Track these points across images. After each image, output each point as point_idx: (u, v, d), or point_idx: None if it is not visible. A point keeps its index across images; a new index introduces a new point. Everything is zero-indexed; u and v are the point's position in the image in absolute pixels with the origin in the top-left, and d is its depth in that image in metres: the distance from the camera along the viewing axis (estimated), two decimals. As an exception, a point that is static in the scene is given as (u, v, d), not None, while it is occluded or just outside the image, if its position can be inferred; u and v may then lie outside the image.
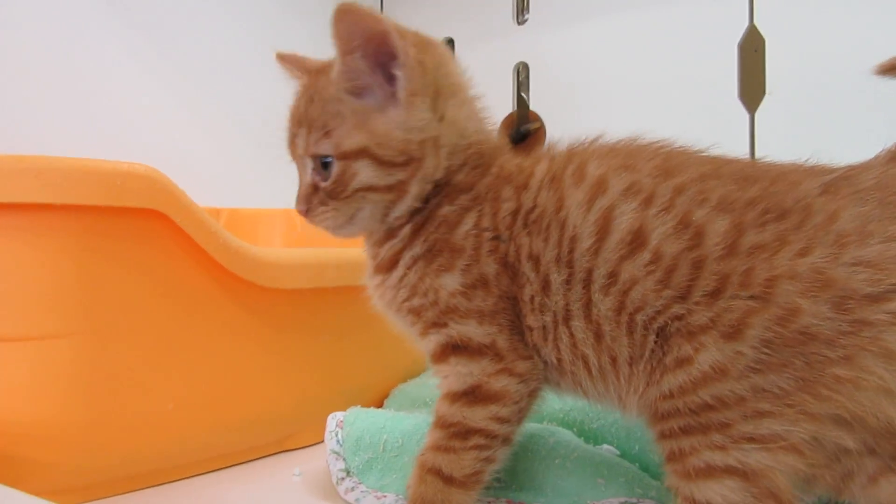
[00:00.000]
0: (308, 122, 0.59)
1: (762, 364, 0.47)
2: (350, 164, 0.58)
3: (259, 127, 1.68)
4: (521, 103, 1.74)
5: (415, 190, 0.60)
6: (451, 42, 1.83)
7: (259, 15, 1.65)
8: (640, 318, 0.52)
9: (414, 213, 0.61)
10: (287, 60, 0.66)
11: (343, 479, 0.72)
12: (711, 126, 1.48)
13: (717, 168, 0.54)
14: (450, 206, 0.60)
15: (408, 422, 0.76)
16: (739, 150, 1.49)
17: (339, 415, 0.79)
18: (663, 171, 0.54)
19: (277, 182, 1.76)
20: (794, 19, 1.37)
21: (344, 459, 0.74)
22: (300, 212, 0.61)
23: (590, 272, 0.54)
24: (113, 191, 0.66)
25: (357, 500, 0.70)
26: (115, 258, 0.69)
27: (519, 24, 1.72)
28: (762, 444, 0.47)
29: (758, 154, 1.42)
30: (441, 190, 0.61)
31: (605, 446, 0.75)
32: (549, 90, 1.67)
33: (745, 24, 1.41)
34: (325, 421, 0.92)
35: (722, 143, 1.54)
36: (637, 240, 0.52)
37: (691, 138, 1.52)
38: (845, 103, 1.35)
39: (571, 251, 0.55)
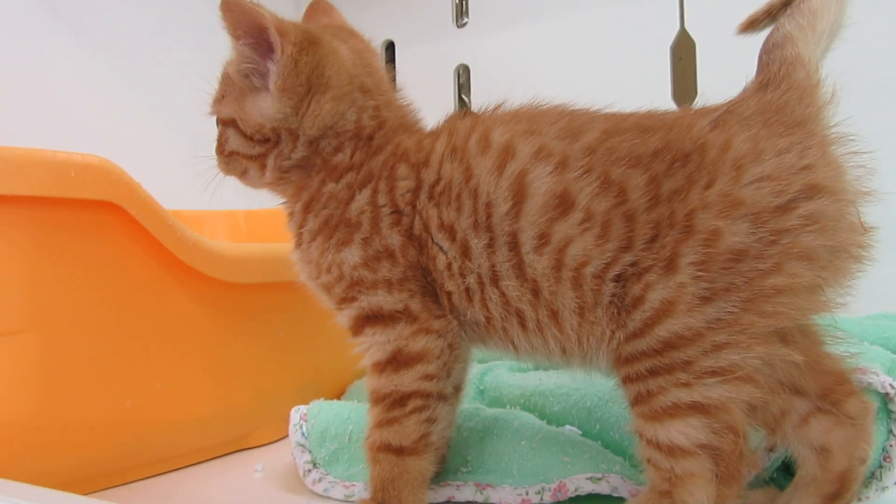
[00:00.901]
0: (221, 83, 0.68)
1: (707, 291, 0.50)
2: (225, 130, 0.67)
3: (200, 129, 1.66)
4: (462, 105, 1.76)
5: (271, 164, 0.65)
6: (391, 44, 1.85)
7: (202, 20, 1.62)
8: (588, 270, 0.54)
9: (300, 190, 0.66)
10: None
11: (310, 470, 0.72)
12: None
13: (617, 124, 0.57)
14: (334, 183, 0.63)
15: (372, 412, 0.76)
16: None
17: (302, 408, 0.78)
18: (569, 132, 0.57)
19: (219, 184, 1.74)
20: (725, 23, 1.44)
21: (310, 452, 0.74)
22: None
23: (514, 235, 0.56)
24: (67, 182, 0.65)
25: (325, 490, 0.70)
26: (67, 252, 0.67)
27: (459, 27, 1.74)
28: (723, 377, 0.50)
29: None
30: (321, 169, 0.65)
31: (568, 427, 0.77)
32: (490, 92, 1.70)
33: (677, 27, 1.47)
34: (285, 418, 0.92)
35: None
36: (564, 202, 0.55)
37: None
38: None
39: (489, 216, 0.57)
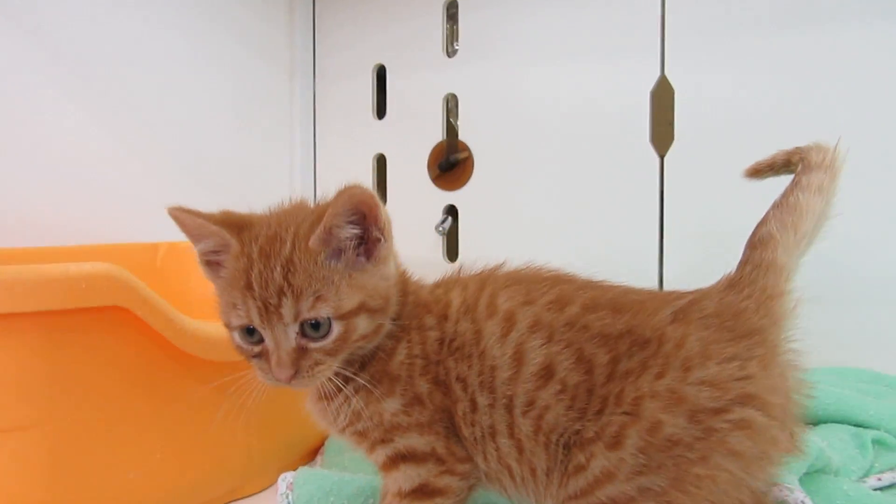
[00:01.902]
0: (293, 290, 0.61)
1: (642, 467, 0.58)
2: (351, 322, 0.63)
3: (194, 159, 1.72)
4: (451, 132, 1.82)
5: (381, 334, 0.67)
6: (382, 68, 1.89)
7: (195, 45, 1.66)
8: (553, 436, 0.62)
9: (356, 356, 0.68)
10: (190, 221, 0.65)
11: (295, 540, 0.81)
12: (625, 165, 1.60)
13: (595, 299, 0.65)
14: (387, 339, 0.67)
15: (353, 485, 0.85)
16: (651, 188, 1.62)
17: (288, 476, 0.86)
18: (556, 303, 0.65)
19: (218, 185, 1.80)
20: (703, 71, 1.49)
21: (295, 520, 0.82)
22: (284, 378, 0.62)
23: (511, 398, 0.64)
24: (77, 294, 0.71)
25: (309, 559, 0.79)
26: (79, 351, 0.75)
27: (449, 55, 1.79)
28: None
29: (666, 193, 1.55)
30: None
31: None
32: (478, 121, 1.75)
33: (658, 74, 1.53)
34: (273, 469, 1.01)
35: (635, 178, 1.67)
36: (548, 373, 0.62)
37: (607, 175, 1.64)
38: (747, 149, 1.49)
39: (493, 378, 0.64)
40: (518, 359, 0.63)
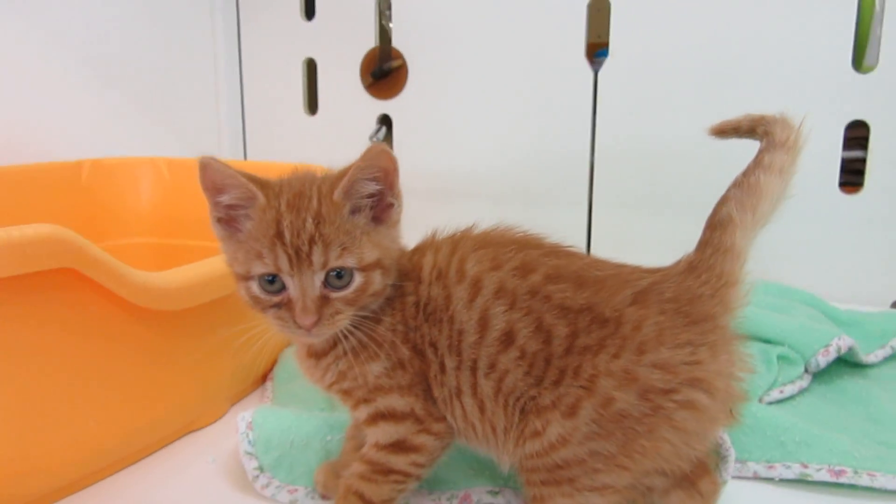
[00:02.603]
0: (323, 240, 0.65)
1: (594, 435, 0.64)
2: (370, 275, 0.67)
3: (120, 72, 1.61)
4: (384, 38, 1.76)
5: (387, 291, 0.70)
6: (312, 63, 1.80)
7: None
8: (511, 399, 0.67)
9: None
10: (220, 171, 0.68)
11: (258, 476, 0.85)
12: (560, 78, 1.61)
13: (559, 269, 0.68)
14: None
15: (311, 423, 0.89)
16: (584, 101, 1.65)
17: (247, 416, 0.90)
18: (521, 269, 0.68)
19: (142, 130, 1.73)
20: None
21: (256, 458, 0.86)
22: (308, 324, 0.66)
23: (475, 361, 0.68)
24: (23, 259, 0.69)
25: (273, 495, 0.84)
26: (29, 315, 0.74)
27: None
28: (597, 492, 0.65)
29: (599, 107, 1.57)
30: None
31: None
32: (412, 29, 1.70)
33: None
34: (225, 400, 1.04)
35: (569, 92, 1.71)
36: (508, 339, 0.66)
37: (542, 87, 1.67)
38: (680, 69, 1.52)
39: (460, 342, 0.68)
40: (483, 324, 0.67)
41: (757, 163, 0.70)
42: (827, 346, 1.09)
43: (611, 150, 1.59)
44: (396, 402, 0.71)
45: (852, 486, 0.84)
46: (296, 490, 0.84)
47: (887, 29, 1.37)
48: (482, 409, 0.69)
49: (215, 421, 1.04)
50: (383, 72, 1.75)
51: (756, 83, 1.46)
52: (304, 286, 0.66)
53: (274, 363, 1.18)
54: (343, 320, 0.67)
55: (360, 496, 0.74)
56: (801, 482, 0.86)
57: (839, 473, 0.84)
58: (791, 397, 1.05)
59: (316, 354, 0.74)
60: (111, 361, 0.84)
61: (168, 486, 0.87)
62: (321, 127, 1.86)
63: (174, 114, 1.77)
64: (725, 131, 0.76)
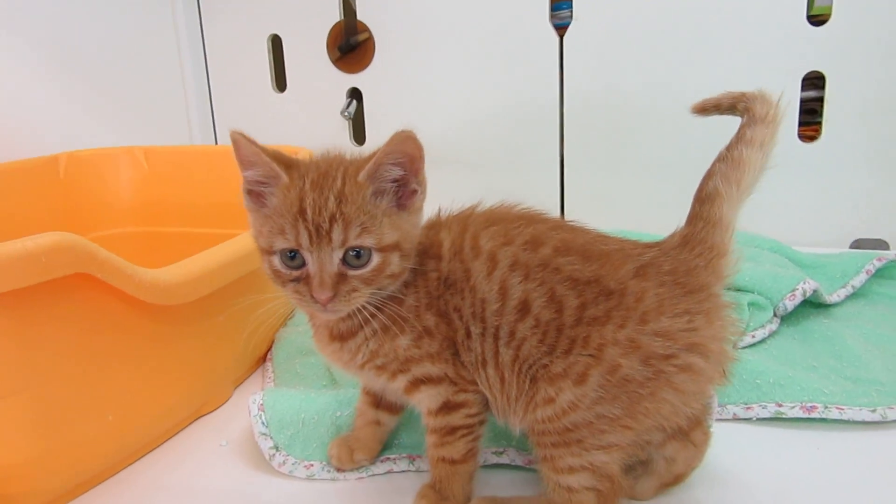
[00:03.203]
0: (343, 218, 0.67)
1: (600, 400, 0.69)
2: (388, 256, 0.70)
3: (82, 63, 1.59)
4: (349, 12, 1.77)
5: (402, 278, 0.73)
6: (277, 39, 1.79)
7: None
8: (525, 366, 0.72)
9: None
10: (247, 147, 0.70)
11: (274, 454, 0.89)
12: (526, 43, 1.64)
13: (567, 242, 0.73)
14: (401, 285, 0.74)
15: (320, 401, 0.94)
16: (551, 66, 1.70)
17: (257, 398, 0.94)
18: (532, 243, 0.72)
19: (110, 119, 1.72)
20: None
21: (271, 437, 0.91)
22: (323, 299, 0.68)
23: (497, 329, 0.72)
24: (40, 268, 0.72)
25: (290, 471, 0.88)
26: (46, 320, 0.76)
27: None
28: (603, 450, 0.71)
29: (566, 72, 1.61)
30: None
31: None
32: (376, 1, 1.71)
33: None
34: (228, 383, 1.08)
35: (535, 60, 1.74)
36: (525, 307, 0.71)
37: (508, 54, 1.70)
38: (644, 32, 1.56)
39: (483, 310, 0.73)
40: (502, 293, 0.71)
41: (739, 137, 0.74)
42: (793, 290, 1.17)
43: (579, 113, 1.63)
44: (430, 368, 0.75)
45: (822, 420, 0.92)
46: (311, 465, 0.89)
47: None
48: (502, 380, 0.74)
49: (222, 405, 1.08)
50: (350, 45, 1.75)
51: (716, 40, 1.51)
52: (322, 262, 0.68)
53: (272, 344, 1.22)
54: (359, 298, 0.69)
55: (445, 460, 0.79)
56: (777, 420, 0.94)
57: (811, 409, 0.92)
58: (762, 341, 1.13)
59: (341, 337, 0.77)
60: (123, 355, 0.87)
61: (186, 472, 0.92)
62: (291, 104, 1.87)
63: (141, 101, 1.76)
64: (707, 109, 0.81)
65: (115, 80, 1.68)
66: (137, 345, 0.89)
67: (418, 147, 0.70)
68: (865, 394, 0.94)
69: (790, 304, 1.16)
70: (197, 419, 1.04)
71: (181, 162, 1.51)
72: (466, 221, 0.77)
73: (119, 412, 0.88)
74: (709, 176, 0.75)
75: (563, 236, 0.74)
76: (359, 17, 1.74)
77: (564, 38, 1.60)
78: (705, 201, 0.74)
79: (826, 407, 0.92)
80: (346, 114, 1.79)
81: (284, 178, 0.70)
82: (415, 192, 0.73)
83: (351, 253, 0.69)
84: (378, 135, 1.80)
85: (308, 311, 0.75)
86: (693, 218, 0.75)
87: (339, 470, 0.88)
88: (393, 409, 0.89)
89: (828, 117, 1.50)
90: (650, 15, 1.54)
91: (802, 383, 0.95)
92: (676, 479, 0.80)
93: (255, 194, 0.73)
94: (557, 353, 0.70)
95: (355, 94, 1.82)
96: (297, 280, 0.71)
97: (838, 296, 1.25)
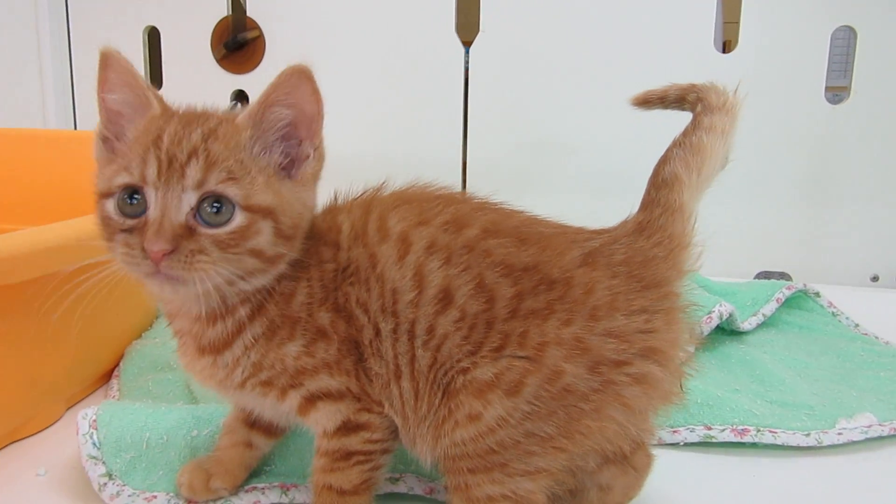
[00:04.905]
0: (207, 156, 0.54)
1: (533, 414, 0.56)
2: (256, 222, 0.55)
3: None
4: (237, 7, 1.62)
5: (280, 268, 0.59)
6: (154, 31, 1.63)
7: None
8: (441, 373, 0.58)
9: (248, 297, 0.59)
10: (123, 66, 0.58)
11: (105, 484, 0.70)
12: (431, 52, 1.55)
13: (497, 223, 0.60)
14: (284, 280, 0.59)
15: (171, 416, 0.76)
16: (456, 75, 1.62)
17: (89, 413, 0.74)
18: (453, 224, 0.59)
19: None
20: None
21: (104, 463, 0.71)
22: (156, 250, 0.52)
23: (413, 324, 0.58)
24: None
25: (125, 505, 0.69)
26: None
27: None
28: (529, 476, 0.57)
29: (471, 81, 1.53)
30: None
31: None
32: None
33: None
34: (58, 401, 0.87)
35: (441, 70, 1.66)
36: (447, 297, 0.57)
37: (412, 62, 1.61)
38: (549, 40, 1.51)
39: (395, 302, 0.58)
40: (418, 280, 0.58)
41: (696, 125, 0.65)
42: (709, 313, 1.10)
43: (483, 118, 1.55)
44: (327, 382, 0.60)
45: (753, 445, 0.83)
46: (154, 497, 0.70)
47: (746, 15, 1.44)
48: (416, 396, 0.59)
49: (47, 427, 0.86)
50: (238, 43, 1.60)
51: (628, 64, 1.48)
52: (167, 203, 0.53)
53: (120, 357, 1.01)
54: (206, 267, 0.53)
55: (330, 488, 0.62)
56: (705, 444, 0.84)
57: (742, 433, 0.83)
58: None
59: (213, 349, 0.60)
60: None
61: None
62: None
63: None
64: (650, 101, 0.71)
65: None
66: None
67: (315, 94, 0.58)
68: (796, 418, 0.86)
69: (706, 328, 1.10)
70: (10, 443, 0.82)
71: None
72: (370, 204, 0.63)
73: None
74: (664, 161, 0.65)
75: (492, 217, 0.61)
76: (248, 12, 1.60)
77: (470, 50, 1.53)
78: (662, 186, 0.64)
79: (759, 430, 0.83)
80: (229, 117, 1.62)
81: (156, 106, 0.58)
82: (307, 157, 0.60)
83: (207, 205, 0.54)
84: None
85: (135, 274, 0.56)
86: (648, 204, 0.64)
87: (189, 502, 0.69)
88: (271, 431, 0.72)
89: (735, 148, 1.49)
90: (558, 32, 1.49)
91: (732, 404, 0.87)
92: (612, 513, 0.67)
93: (108, 142, 0.60)
94: (484, 353, 0.57)
95: (241, 96, 1.66)
96: (129, 231, 0.54)
97: (749, 324, 1.20)
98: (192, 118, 0.57)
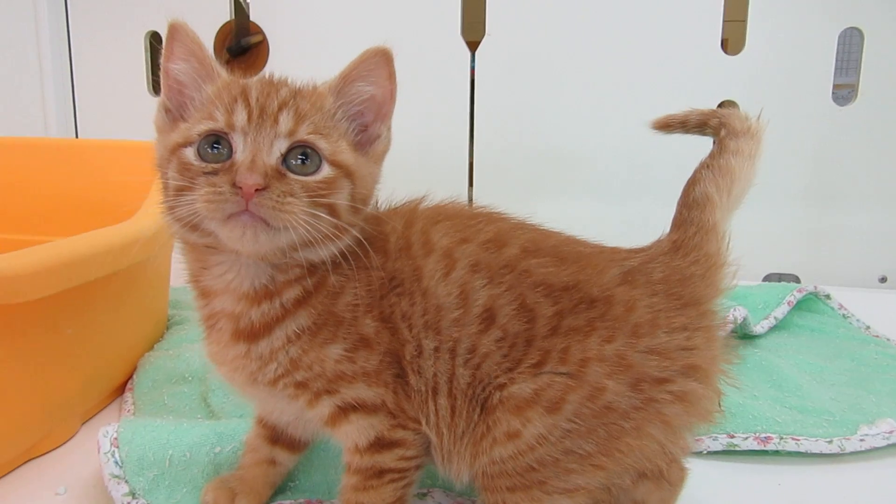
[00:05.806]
0: (297, 110, 0.55)
1: (573, 432, 0.55)
2: (339, 176, 0.56)
3: None
4: (240, 11, 1.61)
5: (343, 243, 0.57)
6: (156, 36, 1.61)
7: None
8: (478, 390, 0.58)
9: (303, 276, 0.57)
10: (190, 36, 0.59)
11: (129, 503, 0.69)
12: (437, 56, 1.55)
13: (537, 242, 0.60)
14: (336, 275, 0.58)
15: (193, 433, 0.75)
16: (462, 80, 1.61)
17: (110, 430, 0.73)
18: (494, 243, 0.59)
19: None
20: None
21: (126, 482, 0.70)
22: (250, 185, 0.51)
23: (456, 343, 0.57)
24: None
25: (150, 524, 0.68)
26: None
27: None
28: (567, 494, 0.57)
29: (477, 85, 1.52)
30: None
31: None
32: (272, 1, 1.56)
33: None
34: (74, 416, 0.86)
35: (448, 73, 1.65)
36: (490, 317, 0.57)
37: (418, 66, 1.60)
38: (555, 44, 1.50)
39: (439, 319, 0.58)
40: (464, 299, 0.57)
41: (723, 148, 0.66)
42: (724, 317, 1.10)
43: (488, 121, 1.54)
44: (364, 392, 0.59)
45: (776, 453, 0.83)
46: (179, 515, 0.69)
47: (752, 17, 1.44)
48: (453, 412, 0.59)
49: (63, 443, 0.85)
50: (241, 48, 1.59)
51: (636, 67, 1.47)
52: (258, 146, 0.53)
53: (133, 370, 1.00)
54: (295, 212, 0.52)
55: None
56: (727, 453, 0.84)
57: (766, 441, 0.83)
58: (696, 371, 1.04)
59: (251, 335, 0.59)
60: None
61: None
62: (169, 109, 1.67)
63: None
64: (672, 125, 0.72)
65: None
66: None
67: (392, 78, 0.60)
68: (817, 424, 0.86)
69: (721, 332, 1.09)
70: (28, 461, 0.81)
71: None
72: (412, 215, 0.63)
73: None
74: (694, 182, 0.66)
75: (531, 235, 0.61)
76: (252, 17, 1.59)
77: (476, 52, 1.52)
78: (693, 206, 0.64)
79: (782, 438, 0.83)
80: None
81: (224, 75, 0.60)
82: (378, 137, 0.61)
83: (296, 156, 0.54)
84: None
85: (218, 220, 0.53)
86: (682, 223, 0.65)
87: (215, 521, 0.68)
88: (294, 446, 0.71)
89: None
90: (562, 38, 1.49)
91: (753, 412, 0.86)
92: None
93: (172, 112, 0.60)
94: (522, 369, 0.56)
95: (245, 101, 1.64)
96: (213, 174, 0.53)
97: (762, 327, 1.19)
98: (273, 83, 0.58)
